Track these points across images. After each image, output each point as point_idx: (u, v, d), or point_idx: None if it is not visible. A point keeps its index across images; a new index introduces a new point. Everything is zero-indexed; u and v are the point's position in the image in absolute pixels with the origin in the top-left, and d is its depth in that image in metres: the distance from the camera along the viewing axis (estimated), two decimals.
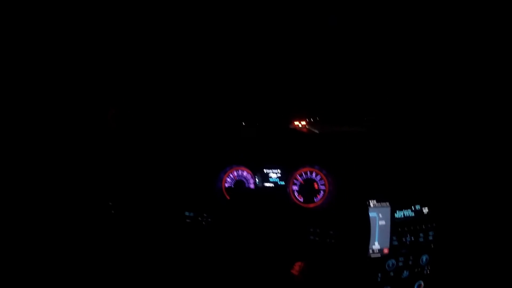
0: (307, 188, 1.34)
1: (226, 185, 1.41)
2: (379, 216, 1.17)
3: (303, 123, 2.28)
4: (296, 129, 2.30)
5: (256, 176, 1.38)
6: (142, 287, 1.18)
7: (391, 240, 1.18)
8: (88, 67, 1.47)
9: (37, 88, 1.37)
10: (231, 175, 1.42)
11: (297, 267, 0.91)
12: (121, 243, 1.26)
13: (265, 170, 1.39)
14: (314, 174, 1.34)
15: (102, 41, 1.40)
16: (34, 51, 1.32)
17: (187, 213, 1.24)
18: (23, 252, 1.23)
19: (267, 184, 1.39)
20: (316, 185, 1.33)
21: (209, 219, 1.21)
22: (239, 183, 1.40)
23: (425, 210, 1.22)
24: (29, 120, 1.35)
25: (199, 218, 1.22)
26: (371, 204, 1.17)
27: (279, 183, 1.38)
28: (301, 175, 1.35)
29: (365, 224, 1.00)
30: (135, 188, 1.32)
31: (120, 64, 1.53)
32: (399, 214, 1.20)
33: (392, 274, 1.17)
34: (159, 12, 1.30)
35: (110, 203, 1.29)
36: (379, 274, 1.16)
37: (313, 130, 2.28)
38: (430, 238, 1.20)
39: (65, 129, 1.41)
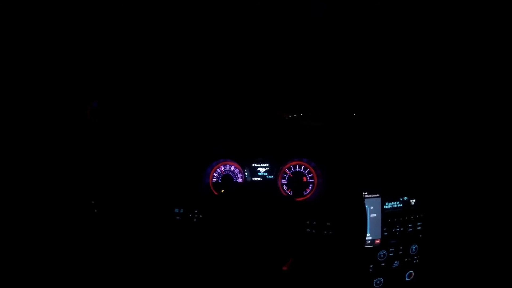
0: (296, 182, 1.32)
1: (213, 180, 1.37)
2: (370, 208, 1.18)
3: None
4: (282, 117, 2.27)
5: (245, 170, 1.35)
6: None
7: (382, 231, 1.19)
8: (68, 59, 1.39)
9: (14, 82, 1.28)
10: (218, 170, 1.38)
11: (287, 263, 0.89)
12: (108, 243, 1.20)
13: (253, 164, 1.36)
14: (302, 168, 1.33)
15: (82, 34, 1.33)
16: (10, 43, 1.23)
17: (176, 210, 1.19)
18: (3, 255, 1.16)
19: (255, 179, 1.36)
20: (305, 178, 1.32)
21: (200, 216, 1.17)
22: (227, 177, 1.37)
23: (413, 201, 1.24)
24: (5, 116, 1.26)
25: (190, 215, 1.18)
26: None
27: (267, 177, 1.36)
28: (289, 169, 1.34)
29: (363, 214, 0.99)
30: (118, 185, 1.25)
31: (100, 56, 1.45)
32: (388, 206, 1.21)
33: (383, 264, 1.18)
34: (139, 6, 1.24)
35: (92, 202, 1.21)
36: (371, 266, 1.17)
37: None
38: (419, 228, 1.22)
39: (44, 125, 1.32)
